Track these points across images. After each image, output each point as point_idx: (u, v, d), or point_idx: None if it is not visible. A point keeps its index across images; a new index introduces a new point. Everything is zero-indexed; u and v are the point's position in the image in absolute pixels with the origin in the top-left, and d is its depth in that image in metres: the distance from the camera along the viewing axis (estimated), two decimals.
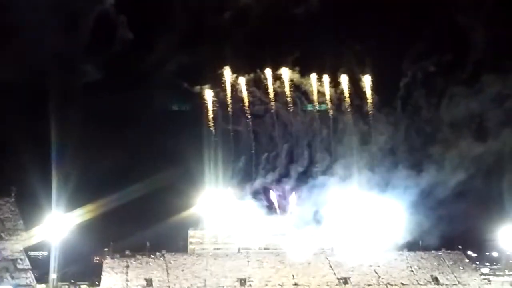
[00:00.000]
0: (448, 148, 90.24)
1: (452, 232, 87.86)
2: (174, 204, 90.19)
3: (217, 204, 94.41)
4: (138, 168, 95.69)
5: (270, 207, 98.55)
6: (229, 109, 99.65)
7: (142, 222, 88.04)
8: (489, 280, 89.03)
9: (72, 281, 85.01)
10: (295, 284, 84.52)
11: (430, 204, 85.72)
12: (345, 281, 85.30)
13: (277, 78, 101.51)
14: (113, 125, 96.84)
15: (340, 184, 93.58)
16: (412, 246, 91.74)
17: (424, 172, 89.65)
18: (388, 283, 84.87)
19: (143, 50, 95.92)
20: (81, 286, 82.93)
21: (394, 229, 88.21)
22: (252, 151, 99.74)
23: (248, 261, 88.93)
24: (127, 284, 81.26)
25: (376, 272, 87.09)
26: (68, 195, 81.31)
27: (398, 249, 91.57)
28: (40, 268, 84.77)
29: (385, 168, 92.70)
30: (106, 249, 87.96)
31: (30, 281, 78.95)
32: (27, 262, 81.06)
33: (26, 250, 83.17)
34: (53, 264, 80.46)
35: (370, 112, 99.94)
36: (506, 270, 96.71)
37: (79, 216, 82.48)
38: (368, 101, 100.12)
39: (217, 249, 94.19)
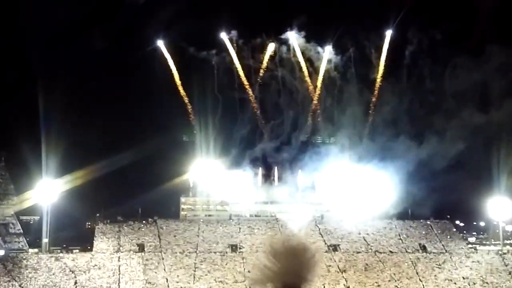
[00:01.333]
0: (449, 119, 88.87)
1: (442, 202, 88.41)
2: (166, 171, 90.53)
3: (210, 172, 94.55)
4: (130, 135, 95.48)
5: (267, 175, 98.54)
6: (235, 75, 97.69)
7: (134, 188, 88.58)
8: (475, 249, 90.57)
9: (64, 245, 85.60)
10: None
11: (424, 175, 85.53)
12: (335, 248, 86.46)
13: (282, 43, 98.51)
14: (104, 91, 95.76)
15: (339, 154, 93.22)
16: (402, 215, 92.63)
17: (423, 144, 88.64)
18: (377, 251, 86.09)
19: (148, 16, 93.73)
20: (74, 250, 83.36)
21: (385, 199, 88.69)
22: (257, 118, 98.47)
23: (240, 228, 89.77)
24: (119, 249, 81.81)
25: (365, 240, 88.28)
26: (58, 160, 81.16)
27: (388, 218, 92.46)
28: (32, 233, 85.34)
29: (385, 138, 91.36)
30: (97, 215, 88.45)
31: (22, 245, 79.39)
32: (18, 226, 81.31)
33: (18, 214, 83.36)
34: (45, 229, 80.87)
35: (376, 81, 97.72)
36: (492, 240, 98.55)
37: (70, 181, 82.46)
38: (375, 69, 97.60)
39: (209, 215, 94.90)
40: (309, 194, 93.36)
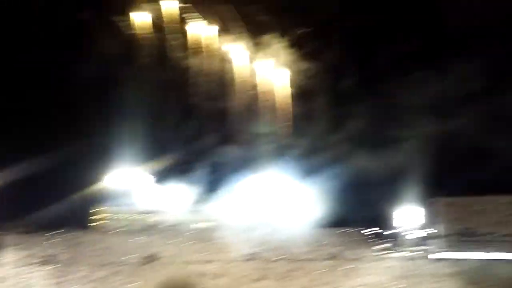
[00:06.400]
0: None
1: (357, 211, 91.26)
2: (78, 179, 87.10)
3: (125, 181, 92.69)
4: (42, 141, 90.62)
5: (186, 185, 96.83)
6: None
7: (44, 198, 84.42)
8: (384, 256, 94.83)
9: None
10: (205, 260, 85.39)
11: (342, 187, 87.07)
12: (252, 257, 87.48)
13: None
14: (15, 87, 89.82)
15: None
16: (316, 224, 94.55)
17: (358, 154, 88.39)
18: (290, 259, 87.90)
19: None
20: None
21: (303, 209, 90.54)
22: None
23: (155, 238, 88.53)
24: (27, 262, 78.67)
25: (279, 248, 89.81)
26: None
27: (303, 227, 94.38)
28: None
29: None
30: (2, 225, 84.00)
31: None
32: None
33: None
34: None
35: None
36: (401, 246, 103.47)
37: None
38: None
39: (125, 225, 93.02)
40: (227, 205, 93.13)
